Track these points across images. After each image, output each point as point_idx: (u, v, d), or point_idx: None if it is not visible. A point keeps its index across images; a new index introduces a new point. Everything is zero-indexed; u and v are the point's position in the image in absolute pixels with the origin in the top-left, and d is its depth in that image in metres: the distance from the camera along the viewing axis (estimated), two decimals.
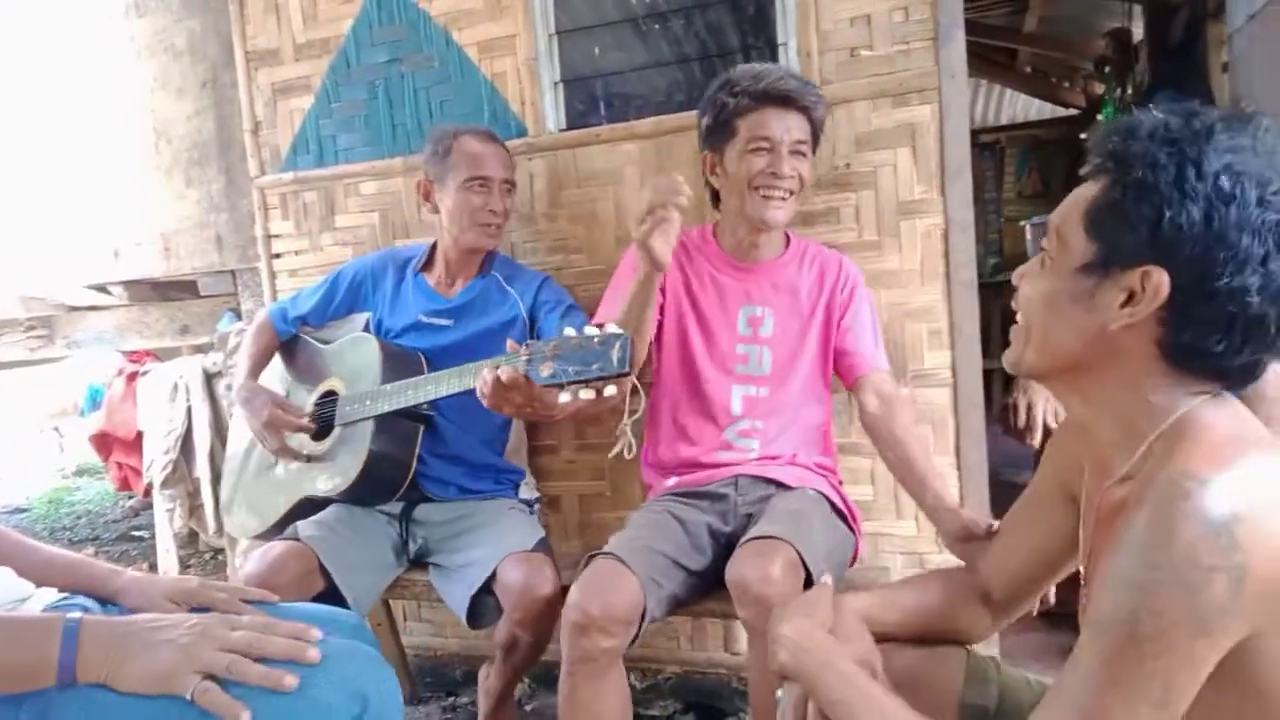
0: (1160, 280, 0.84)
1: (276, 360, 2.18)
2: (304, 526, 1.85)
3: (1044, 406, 2.10)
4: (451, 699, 2.41)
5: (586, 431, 2.36)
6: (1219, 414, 0.87)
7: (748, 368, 1.83)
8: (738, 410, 1.82)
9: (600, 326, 1.46)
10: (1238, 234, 0.82)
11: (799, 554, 1.48)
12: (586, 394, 1.43)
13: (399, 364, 1.92)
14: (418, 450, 1.92)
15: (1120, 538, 0.82)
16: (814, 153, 1.81)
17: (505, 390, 1.51)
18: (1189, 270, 0.83)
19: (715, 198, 1.90)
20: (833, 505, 1.76)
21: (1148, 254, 0.85)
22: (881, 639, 1.14)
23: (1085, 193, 0.92)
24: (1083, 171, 0.94)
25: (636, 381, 1.50)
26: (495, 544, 1.80)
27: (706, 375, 1.84)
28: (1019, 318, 1.00)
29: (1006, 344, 1.03)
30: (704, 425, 1.84)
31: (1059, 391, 1.02)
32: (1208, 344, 0.85)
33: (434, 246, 2.10)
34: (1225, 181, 0.82)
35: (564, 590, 1.83)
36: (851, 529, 1.78)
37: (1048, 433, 2.17)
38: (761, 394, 1.82)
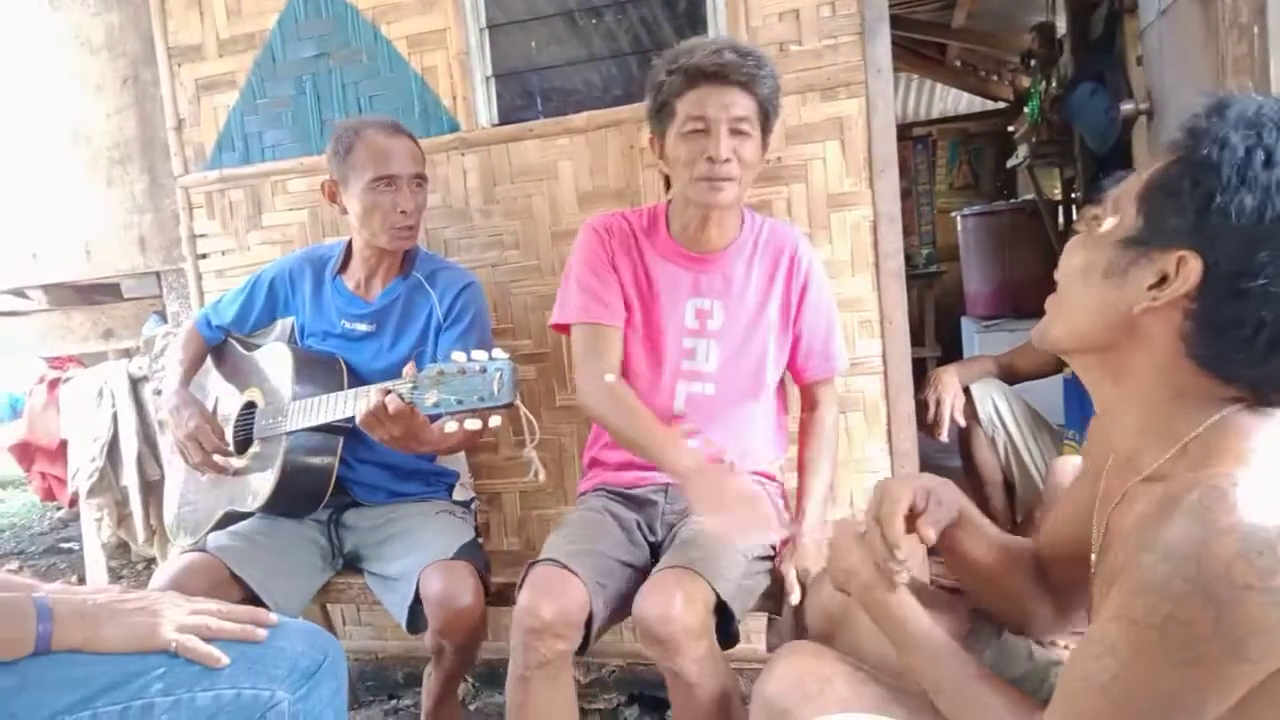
0: (1193, 267, 0.78)
1: (209, 363, 2.13)
2: (214, 538, 1.80)
3: (951, 403, 2.17)
4: (394, 702, 2.39)
5: (522, 429, 2.35)
6: (1260, 423, 0.81)
7: (694, 363, 1.74)
8: (680, 408, 1.74)
9: (489, 352, 1.41)
10: None
11: (711, 584, 1.43)
12: (472, 424, 1.39)
13: (313, 373, 1.86)
14: (338, 461, 1.86)
15: (1153, 537, 0.76)
16: (767, 130, 1.65)
17: (388, 419, 1.49)
18: (1226, 263, 0.77)
19: (668, 182, 1.79)
20: None
21: (1188, 238, 0.79)
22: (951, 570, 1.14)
23: (1153, 166, 0.86)
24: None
25: (526, 410, 1.44)
26: (418, 553, 1.76)
27: (650, 373, 1.75)
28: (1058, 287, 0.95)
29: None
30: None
31: (1089, 373, 0.95)
32: (1230, 348, 0.79)
33: (350, 245, 2.01)
34: None
35: (501, 590, 1.82)
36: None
37: (957, 429, 2.24)
38: (706, 391, 1.74)
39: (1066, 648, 1.18)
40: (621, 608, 1.59)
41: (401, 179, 1.85)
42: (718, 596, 1.44)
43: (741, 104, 1.57)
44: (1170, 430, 0.85)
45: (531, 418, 1.44)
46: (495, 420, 1.39)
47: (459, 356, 1.40)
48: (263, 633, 1.07)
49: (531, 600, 1.47)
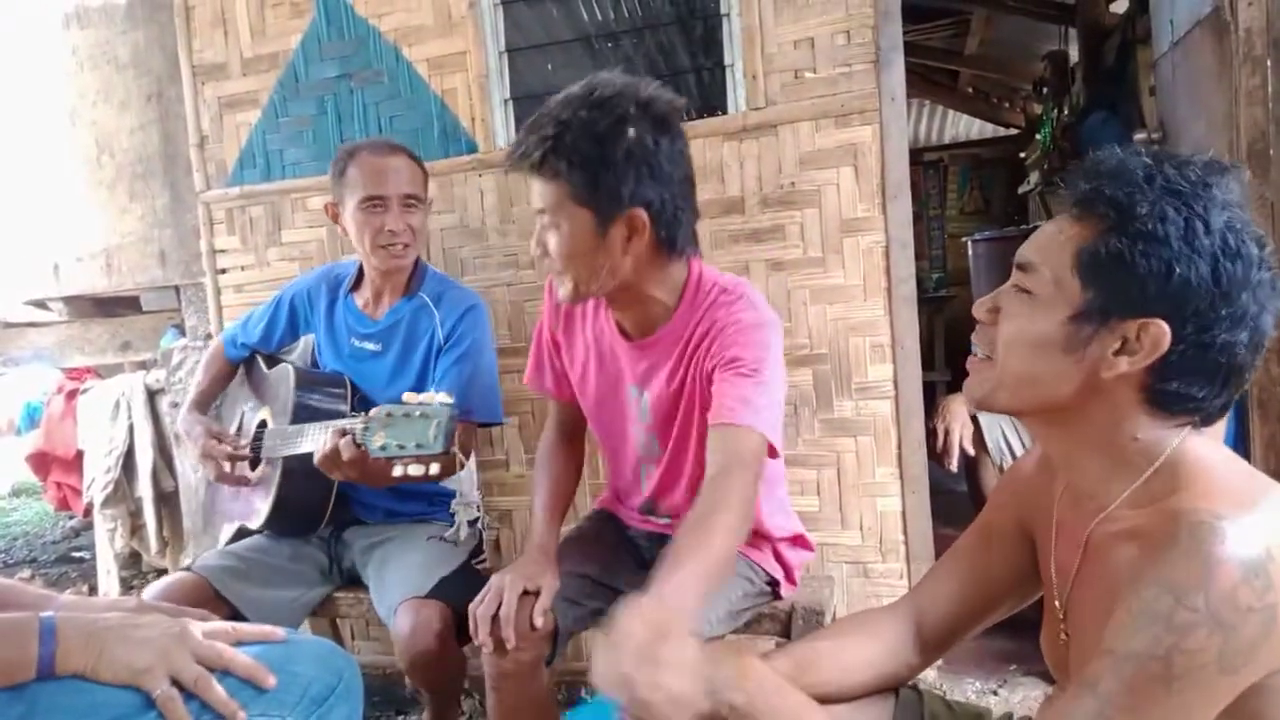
0: (1160, 333, 0.84)
1: (242, 376, 2.14)
2: (203, 558, 1.82)
3: (960, 432, 2.18)
4: (401, 718, 2.39)
5: (535, 446, 2.37)
6: (1209, 447, 0.90)
7: (643, 450, 1.64)
8: (646, 489, 1.68)
9: (432, 395, 1.38)
10: (1239, 292, 0.83)
11: None
12: (416, 469, 1.36)
13: (315, 395, 1.86)
14: (335, 484, 1.84)
15: (1148, 574, 0.81)
16: (602, 211, 1.36)
17: (339, 460, 1.48)
18: (1190, 323, 0.84)
19: None
20: (751, 560, 1.64)
21: (1151, 306, 0.84)
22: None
23: (1073, 234, 0.89)
24: (1064, 206, 0.92)
25: (465, 461, 1.38)
26: (396, 587, 1.74)
27: (612, 448, 1.72)
28: (988, 352, 0.97)
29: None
30: (627, 491, 1.75)
31: (1037, 426, 1.00)
32: (1192, 390, 0.87)
33: (362, 264, 2.02)
34: (1230, 239, 0.83)
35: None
36: (774, 582, 1.67)
37: (965, 457, 2.25)
38: (662, 474, 1.63)
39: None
40: (601, 616, 1.58)
41: (391, 199, 1.84)
42: None
43: (537, 193, 1.40)
44: (1132, 465, 0.91)
45: (466, 474, 1.34)
46: (434, 468, 1.37)
47: (410, 397, 1.39)
48: (272, 680, 1.04)
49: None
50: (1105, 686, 0.81)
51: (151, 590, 1.72)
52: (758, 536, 1.68)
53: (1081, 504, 0.97)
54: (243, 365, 2.14)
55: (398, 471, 1.38)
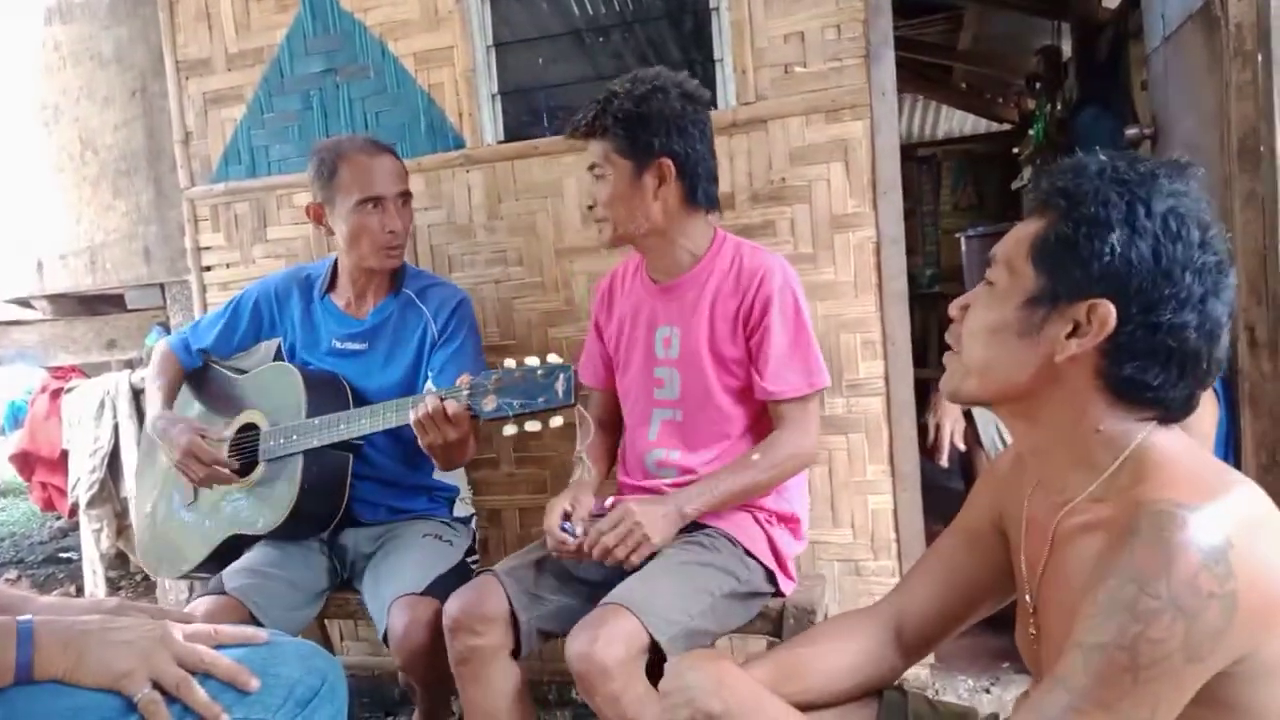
0: (1107, 312, 0.86)
1: (188, 393, 2.09)
2: (230, 576, 1.76)
3: (951, 428, 2.17)
4: (389, 719, 2.37)
5: (528, 444, 2.35)
6: (1175, 441, 0.90)
7: (663, 391, 1.74)
8: (653, 436, 1.75)
9: (542, 358, 1.50)
10: (1181, 272, 0.85)
11: (643, 622, 1.41)
12: (533, 425, 1.48)
13: (323, 392, 1.85)
14: (349, 481, 1.84)
15: (1112, 564, 0.82)
16: (638, 155, 1.63)
17: (447, 423, 1.56)
18: (1135, 304, 0.86)
19: None
20: (745, 550, 1.64)
21: (1096, 287, 0.87)
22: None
23: (1031, 227, 0.93)
24: (1029, 207, 0.96)
25: (583, 410, 1.52)
26: (391, 584, 1.73)
27: (630, 401, 1.80)
28: (956, 347, 1.01)
29: (943, 354, 1.03)
30: (633, 452, 1.80)
31: (1006, 417, 1.03)
32: (1146, 376, 0.88)
33: (335, 264, 1.99)
34: (1172, 222, 0.85)
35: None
36: (771, 572, 1.68)
37: (960, 453, 2.23)
38: (676, 418, 1.73)
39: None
40: (575, 619, 1.58)
41: (387, 199, 1.85)
42: (653, 636, 1.41)
43: (591, 152, 1.68)
44: (1098, 458, 0.92)
45: (586, 415, 1.59)
46: (557, 420, 1.48)
47: (510, 363, 1.49)
48: (255, 682, 1.03)
49: (449, 603, 1.60)
50: (1075, 679, 0.82)
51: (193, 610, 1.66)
52: (747, 512, 1.70)
53: (1050, 498, 0.99)
54: (189, 378, 2.08)
55: (510, 431, 1.50)
